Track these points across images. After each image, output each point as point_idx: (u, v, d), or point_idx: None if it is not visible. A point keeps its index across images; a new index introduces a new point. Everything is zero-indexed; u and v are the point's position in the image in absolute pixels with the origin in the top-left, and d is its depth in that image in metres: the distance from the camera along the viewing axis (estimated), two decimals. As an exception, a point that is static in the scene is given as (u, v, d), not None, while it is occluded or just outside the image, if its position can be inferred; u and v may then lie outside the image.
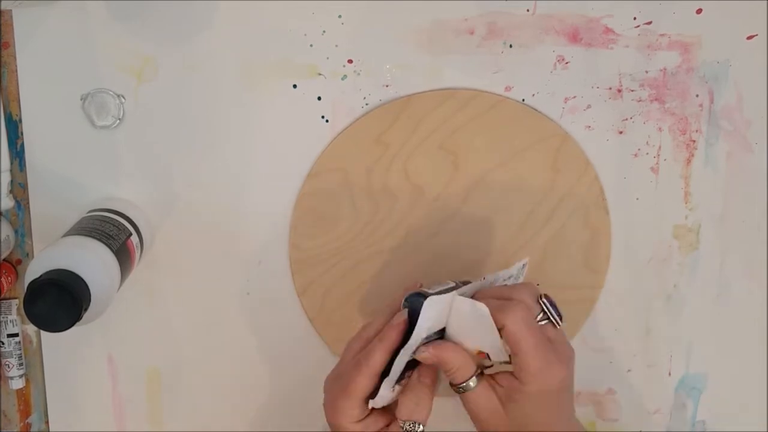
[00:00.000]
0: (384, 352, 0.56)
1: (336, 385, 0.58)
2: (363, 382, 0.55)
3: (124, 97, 0.63)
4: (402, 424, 0.55)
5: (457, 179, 0.66)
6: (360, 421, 0.56)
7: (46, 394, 0.69)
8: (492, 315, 0.53)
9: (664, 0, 0.63)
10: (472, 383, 0.55)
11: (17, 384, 0.67)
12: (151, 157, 0.65)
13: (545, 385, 0.54)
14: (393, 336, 0.56)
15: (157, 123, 0.64)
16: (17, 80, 0.62)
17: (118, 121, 0.63)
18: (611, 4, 0.63)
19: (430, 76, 0.64)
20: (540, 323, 0.55)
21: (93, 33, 0.62)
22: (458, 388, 0.56)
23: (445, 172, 0.65)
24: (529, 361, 0.53)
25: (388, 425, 0.57)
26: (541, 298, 0.56)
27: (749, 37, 0.65)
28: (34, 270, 0.52)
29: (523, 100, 0.65)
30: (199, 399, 0.70)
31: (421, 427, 0.55)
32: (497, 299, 0.55)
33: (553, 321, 0.56)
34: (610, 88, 0.65)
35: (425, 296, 0.54)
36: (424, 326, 0.54)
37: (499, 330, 0.54)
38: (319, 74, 0.64)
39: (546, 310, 0.56)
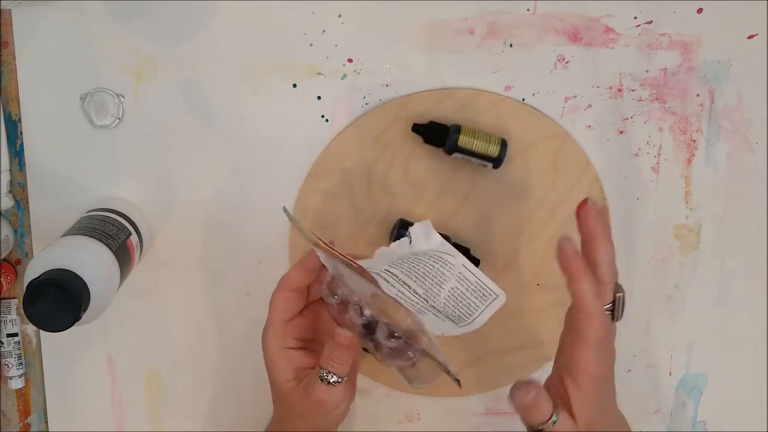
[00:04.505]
0: (298, 271, 0.57)
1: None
2: (277, 297, 0.57)
3: (123, 97, 0.63)
4: (319, 372, 0.55)
5: (457, 179, 0.65)
6: (289, 348, 0.57)
7: (46, 394, 0.69)
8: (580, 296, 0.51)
9: (665, -1, 0.63)
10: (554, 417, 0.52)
11: (16, 384, 0.67)
12: (150, 157, 0.64)
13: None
14: (308, 260, 0.57)
15: (157, 123, 0.64)
16: (16, 80, 0.62)
17: (117, 120, 0.63)
18: (611, 3, 0.63)
19: (430, 76, 0.64)
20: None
21: (92, 33, 0.62)
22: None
23: (444, 172, 0.65)
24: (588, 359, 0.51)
25: (313, 367, 0.57)
26: (618, 293, 0.53)
27: (749, 37, 0.65)
28: (33, 270, 0.52)
29: (524, 99, 0.65)
30: (198, 399, 0.70)
31: (334, 377, 0.55)
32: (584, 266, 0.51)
33: (616, 315, 0.54)
34: (611, 88, 0.65)
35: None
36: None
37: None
38: (319, 74, 0.64)
39: (616, 306, 0.53)
